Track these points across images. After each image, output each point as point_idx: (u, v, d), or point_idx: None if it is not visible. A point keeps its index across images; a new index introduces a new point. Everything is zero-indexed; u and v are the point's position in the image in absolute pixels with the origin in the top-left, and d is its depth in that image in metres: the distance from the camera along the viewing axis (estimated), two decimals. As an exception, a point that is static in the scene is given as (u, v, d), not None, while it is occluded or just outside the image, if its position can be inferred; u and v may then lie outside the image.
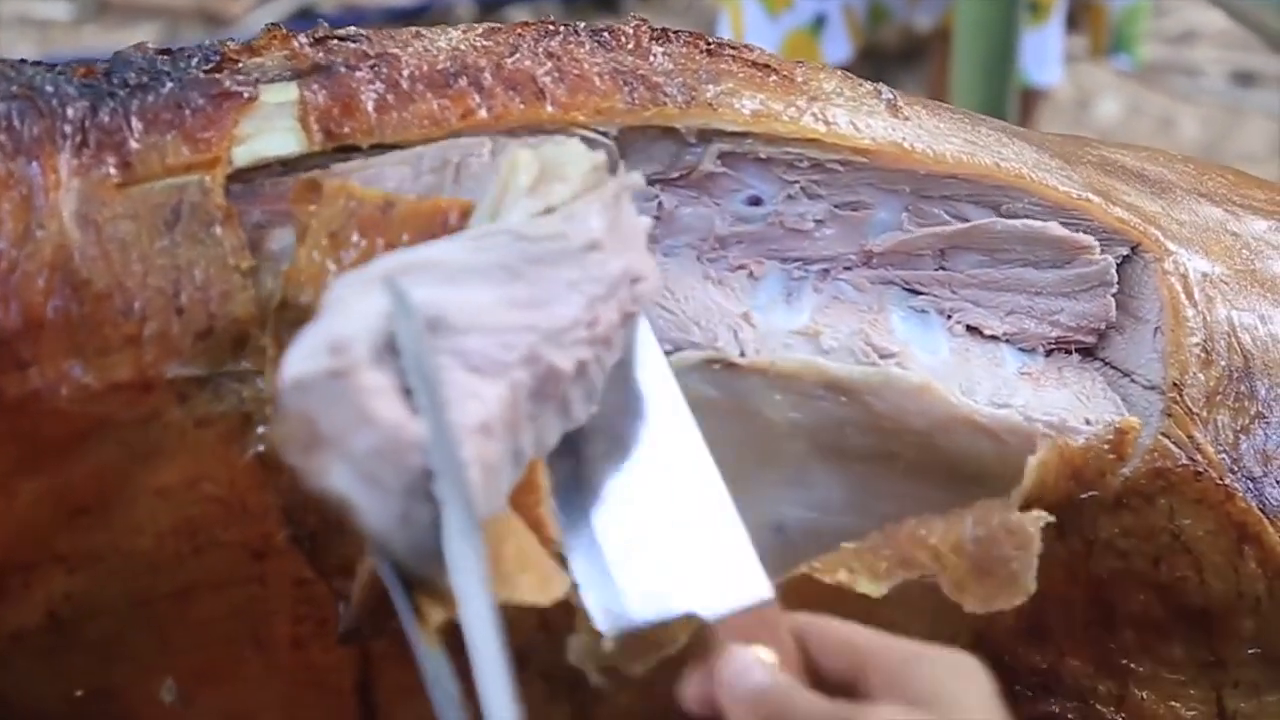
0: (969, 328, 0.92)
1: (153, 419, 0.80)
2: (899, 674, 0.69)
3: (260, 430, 0.80)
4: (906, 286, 0.92)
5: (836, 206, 0.90)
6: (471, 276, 0.68)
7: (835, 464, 0.87)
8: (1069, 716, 0.92)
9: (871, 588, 0.81)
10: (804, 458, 0.86)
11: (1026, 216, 0.91)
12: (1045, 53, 2.60)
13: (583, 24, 0.92)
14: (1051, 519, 0.81)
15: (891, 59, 3.55)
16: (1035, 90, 2.71)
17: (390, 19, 3.98)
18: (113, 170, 0.81)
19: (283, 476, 0.80)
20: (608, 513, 0.75)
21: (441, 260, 0.69)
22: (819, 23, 2.52)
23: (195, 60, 0.86)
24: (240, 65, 0.87)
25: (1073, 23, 2.88)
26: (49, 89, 0.82)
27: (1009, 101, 2.09)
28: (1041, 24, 2.56)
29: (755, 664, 0.70)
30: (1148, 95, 3.98)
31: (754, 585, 0.73)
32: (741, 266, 0.90)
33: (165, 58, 0.87)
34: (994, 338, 0.92)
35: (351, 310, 0.65)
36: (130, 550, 0.81)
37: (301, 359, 0.63)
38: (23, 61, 0.86)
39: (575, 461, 0.75)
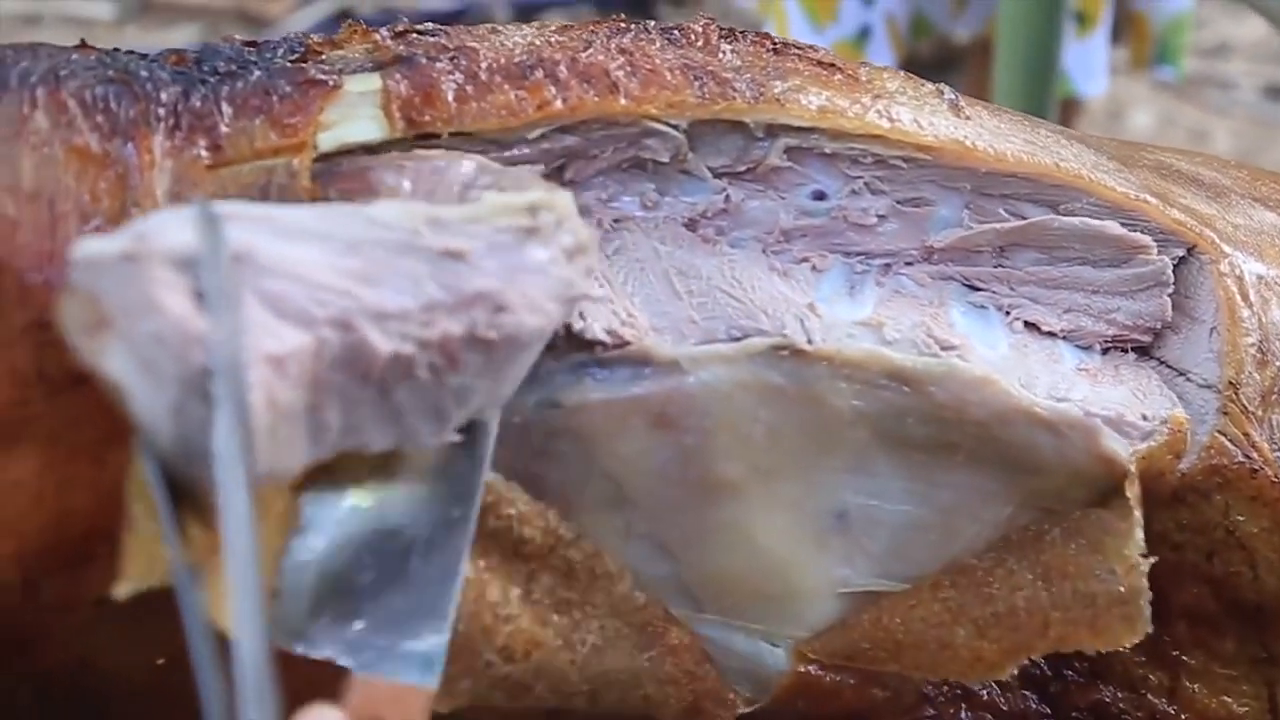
0: (1027, 324, 0.94)
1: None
2: None
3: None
4: (966, 282, 0.94)
5: (899, 202, 0.92)
6: (307, 238, 0.69)
7: (896, 452, 0.89)
8: (1120, 705, 0.94)
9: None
10: (866, 446, 0.88)
11: (1085, 216, 0.93)
12: (1091, 63, 2.62)
13: (652, 22, 0.95)
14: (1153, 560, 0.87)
15: (927, 70, 3.57)
16: (1072, 101, 2.73)
17: (426, 22, 4.02)
18: (204, 152, 0.83)
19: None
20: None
21: (282, 218, 0.69)
22: (864, 34, 2.55)
23: (281, 51, 0.89)
24: (324, 57, 0.90)
25: (1116, 34, 2.90)
26: (144, 74, 0.85)
27: (1050, 112, 2.11)
28: (1088, 34, 2.58)
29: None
30: (1181, 108, 3.99)
31: (424, 666, 0.72)
32: (805, 259, 0.92)
33: (251, 49, 0.89)
34: (1051, 334, 0.94)
35: (164, 218, 0.67)
36: (212, 522, 0.83)
37: (101, 240, 0.64)
38: (116, 50, 0.88)
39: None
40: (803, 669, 0.91)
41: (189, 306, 0.63)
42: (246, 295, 0.66)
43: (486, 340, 0.71)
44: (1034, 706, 0.94)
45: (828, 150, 0.90)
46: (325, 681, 0.72)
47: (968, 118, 0.94)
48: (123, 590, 0.75)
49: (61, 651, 0.85)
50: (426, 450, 0.76)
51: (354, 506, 0.76)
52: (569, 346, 0.85)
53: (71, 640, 0.84)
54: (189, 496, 0.67)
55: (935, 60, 3.57)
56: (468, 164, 0.83)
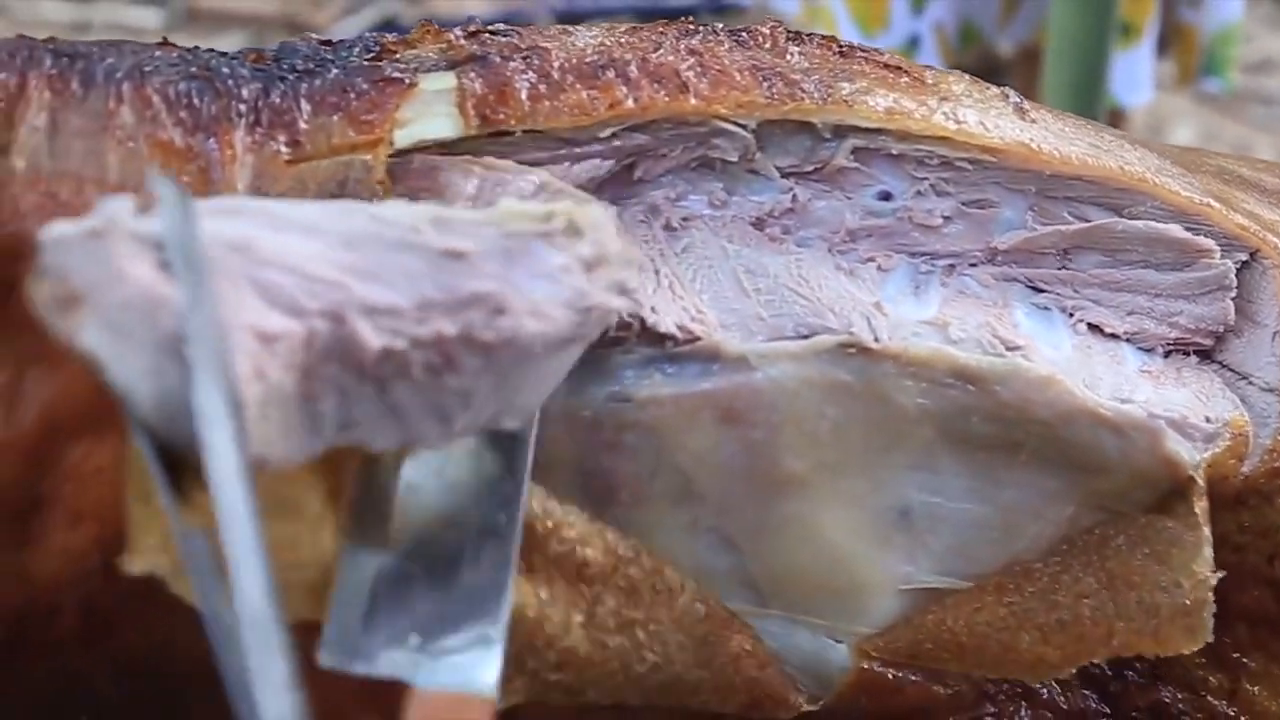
0: (1090, 326, 0.95)
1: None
2: None
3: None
4: (1029, 284, 0.95)
5: (964, 204, 0.93)
6: (307, 231, 0.69)
7: (960, 451, 0.90)
8: (1179, 706, 0.95)
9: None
10: (930, 444, 0.89)
11: (1149, 219, 0.94)
12: (1136, 74, 2.62)
13: (719, 24, 0.96)
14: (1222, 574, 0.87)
15: (970, 80, 3.57)
16: (1115, 112, 2.73)
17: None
18: (283, 148, 0.85)
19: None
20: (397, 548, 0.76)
21: (283, 212, 0.70)
22: (913, 43, 2.56)
23: (357, 50, 0.91)
24: (398, 56, 0.91)
25: (1162, 46, 2.90)
26: (225, 71, 0.87)
27: (1099, 121, 2.12)
28: (1133, 45, 2.59)
29: None
30: (1223, 122, 3.98)
31: (482, 675, 0.73)
32: (871, 259, 0.93)
33: (328, 47, 0.91)
34: (1114, 336, 0.95)
35: (129, 200, 0.67)
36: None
37: (66, 222, 0.65)
38: (196, 48, 0.90)
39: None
40: (865, 665, 0.91)
41: (154, 274, 0.64)
42: (241, 282, 0.67)
43: (484, 342, 0.70)
44: (1094, 706, 0.95)
45: (894, 151, 0.91)
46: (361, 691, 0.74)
47: (1033, 120, 0.94)
48: (136, 566, 0.76)
49: (141, 634, 0.86)
50: (464, 463, 0.77)
51: (401, 519, 0.77)
52: (639, 341, 0.86)
53: (151, 623, 0.86)
54: (186, 464, 0.66)
55: (979, 69, 3.57)
56: (531, 178, 0.84)
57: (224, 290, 0.66)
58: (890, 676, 0.91)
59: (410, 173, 0.86)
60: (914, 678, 0.92)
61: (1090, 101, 2.19)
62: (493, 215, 0.73)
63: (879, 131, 0.91)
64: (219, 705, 0.90)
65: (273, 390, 0.66)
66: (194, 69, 0.86)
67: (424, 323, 0.69)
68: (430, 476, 0.77)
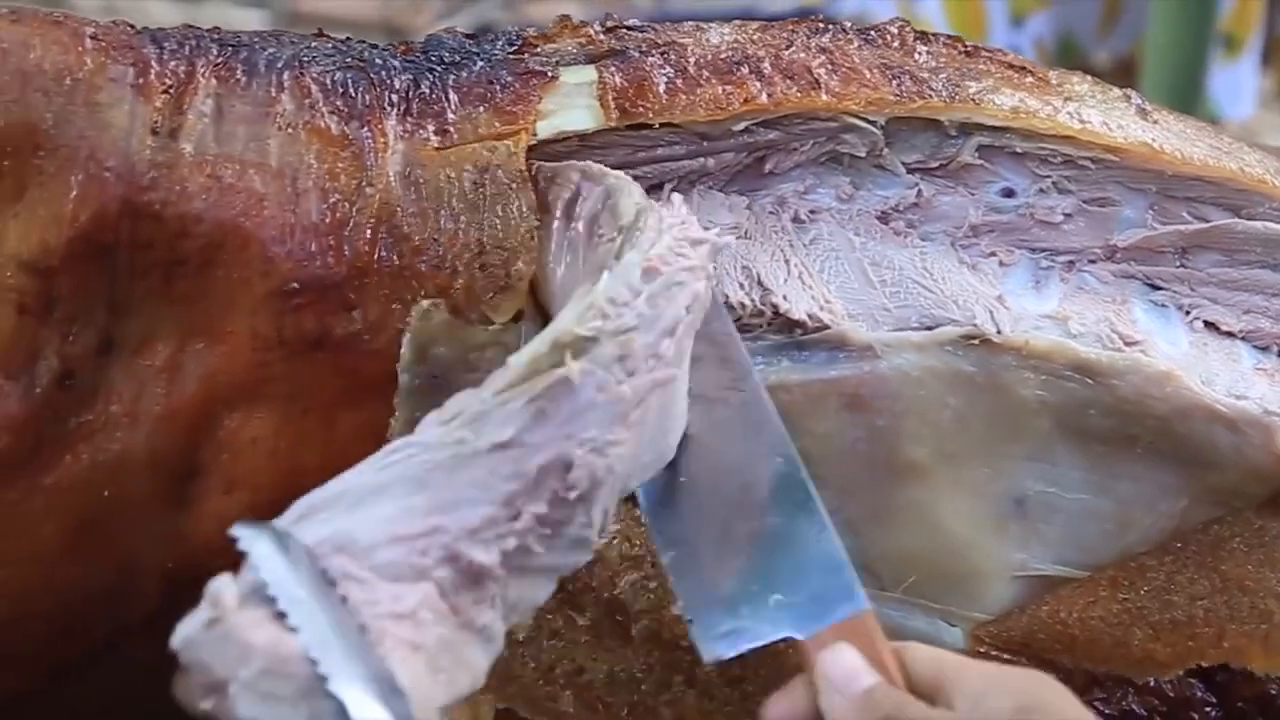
0: (1206, 323, 0.97)
1: (457, 363, 0.87)
2: (986, 689, 0.71)
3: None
4: (1148, 281, 0.97)
5: (1085, 202, 0.96)
6: (376, 496, 0.73)
7: (1077, 443, 0.92)
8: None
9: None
10: (1048, 435, 0.92)
11: (1267, 220, 0.96)
12: (1238, 87, 2.62)
13: (848, 23, 0.99)
14: None
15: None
16: (1214, 123, 2.72)
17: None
18: (432, 136, 0.89)
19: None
20: (704, 535, 0.79)
21: (345, 490, 0.74)
22: (1014, 56, 2.56)
23: (500, 43, 0.94)
24: (539, 49, 0.95)
25: (1265, 58, 2.88)
26: (378, 62, 0.91)
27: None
28: (1236, 58, 2.58)
29: (862, 669, 0.73)
30: (1321, 138, 3.94)
31: (848, 596, 0.77)
32: (992, 254, 0.95)
33: (472, 41, 0.95)
34: (1230, 334, 0.97)
35: (223, 579, 0.72)
36: (429, 483, 0.88)
37: (188, 624, 0.70)
38: (348, 39, 0.94)
39: (670, 484, 0.80)
40: (979, 650, 0.94)
41: (274, 631, 0.69)
42: (363, 577, 0.71)
43: (573, 498, 0.74)
44: (1199, 695, 0.96)
45: (1019, 149, 0.94)
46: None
47: (1155, 122, 0.96)
48: None
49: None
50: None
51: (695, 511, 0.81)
52: (769, 328, 0.89)
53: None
54: None
55: (1073, 82, 3.56)
56: (596, 194, 0.86)
57: (353, 593, 0.71)
58: (1003, 660, 0.94)
59: (543, 173, 0.89)
60: (1025, 662, 0.94)
61: (1188, 113, 2.19)
62: (512, 379, 0.75)
63: (1004, 130, 0.93)
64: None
65: (435, 645, 0.72)
66: (349, 59, 0.91)
67: (517, 515, 0.74)
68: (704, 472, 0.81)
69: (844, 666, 0.73)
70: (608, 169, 0.86)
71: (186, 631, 0.70)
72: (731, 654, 0.77)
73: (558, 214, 0.87)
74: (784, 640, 0.76)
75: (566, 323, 0.75)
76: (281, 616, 0.70)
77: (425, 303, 0.86)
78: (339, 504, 0.73)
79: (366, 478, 0.74)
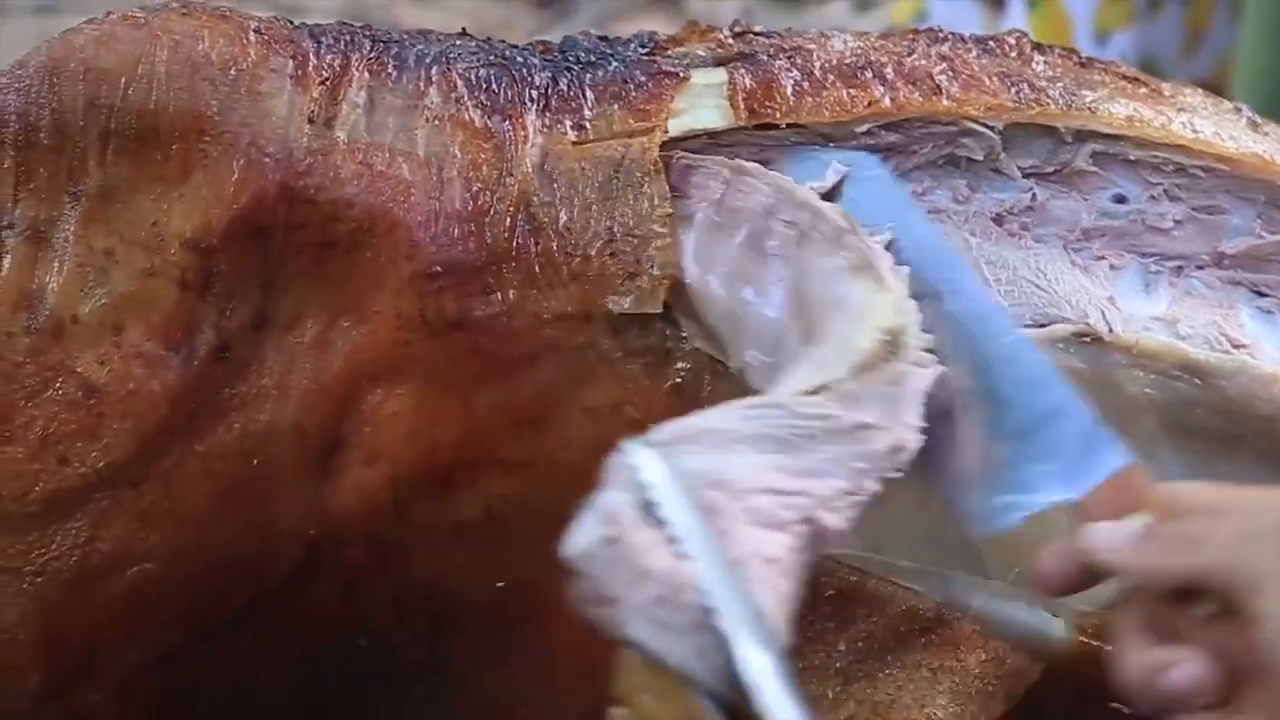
0: (1311, 331, 0.99)
1: (589, 347, 0.92)
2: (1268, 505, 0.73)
3: (679, 364, 0.92)
4: (1254, 289, 1.00)
5: (1194, 209, 0.99)
6: (744, 444, 0.77)
7: (1183, 441, 0.95)
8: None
9: None
10: (1154, 433, 0.95)
11: (1375, 231, 0.98)
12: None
13: (967, 33, 1.03)
14: None
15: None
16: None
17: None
18: (570, 131, 0.93)
19: (694, 406, 0.92)
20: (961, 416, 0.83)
21: (716, 429, 0.77)
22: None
23: (633, 46, 0.99)
24: (669, 52, 0.99)
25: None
26: (519, 60, 0.96)
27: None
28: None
29: (1137, 517, 0.76)
30: None
31: (1110, 452, 0.80)
32: (1102, 258, 0.99)
33: (605, 42, 1.00)
34: (1335, 341, 0.99)
35: (619, 480, 0.74)
36: (558, 461, 0.93)
37: (582, 533, 0.73)
38: (488, 40, 0.99)
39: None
40: (1083, 640, 0.97)
41: (670, 560, 0.71)
42: (737, 516, 0.75)
43: (893, 479, 0.80)
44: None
45: (1132, 157, 0.97)
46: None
47: (1265, 134, 0.99)
48: None
49: (420, 568, 0.95)
50: None
51: None
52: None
53: (430, 559, 0.95)
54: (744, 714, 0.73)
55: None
56: (764, 191, 0.91)
57: (728, 528, 0.74)
58: (1106, 650, 0.96)
59: (670, 170, 0.94)
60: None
61: None
62: (865, 366, 0.80)
63: (1119, 138, 0.97)
64: (481, 640, 0.99)
65: (788, 596, 0.75)
66: (491, 57, 0.95)
67: (858, 492, 0.79)
68: None
69: (1118, 519, 0.76)
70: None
71: (583, 544, 0.72)
72: (1007, 527, 0.81)
73: (702, 206, 0.91)
74: (1057, 505, 0.79)
75: (884, 318, 0.82)
76: (672, 541, 0.72)
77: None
78: (707, 440, 0.77)
79: (732, 424, 0.78)
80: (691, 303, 0.91)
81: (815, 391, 0.79)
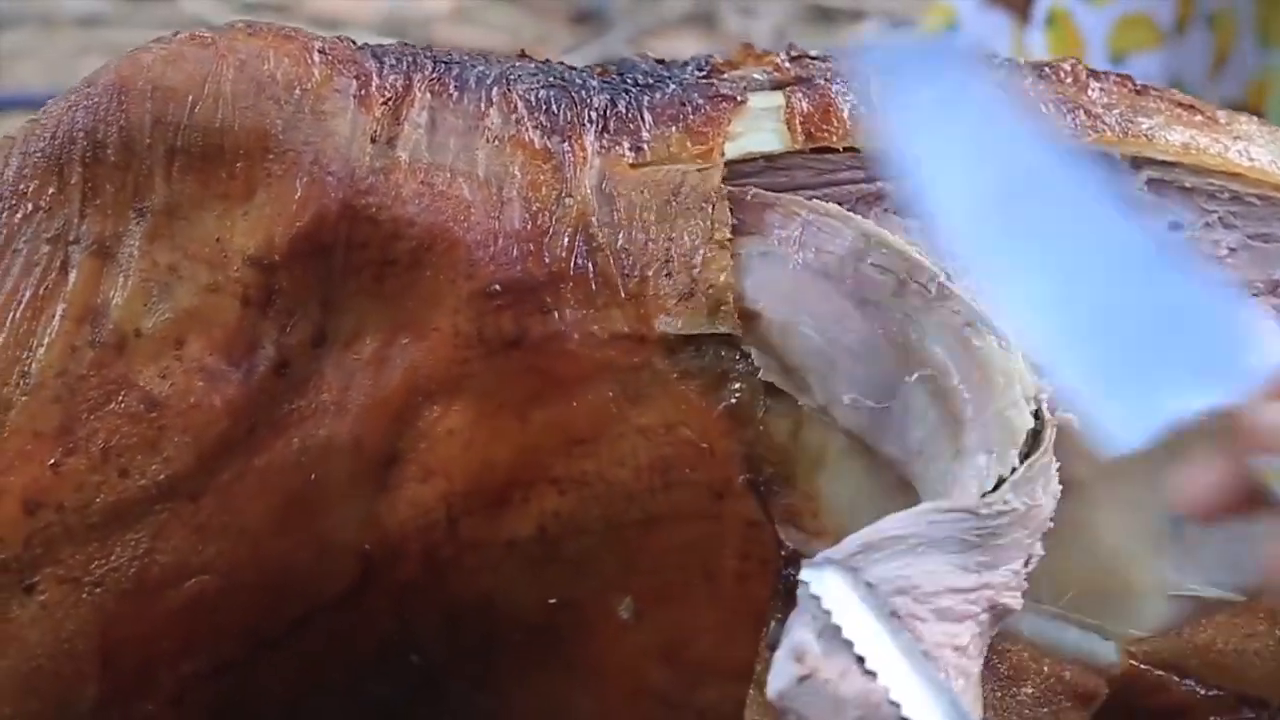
0: (1365, 359, 0.99)
1: (644, 367, 0.92)
2: None
3: (734, 386, 0.93)
4: (1308, 316, 1.00)
5: (1249, 237, 0.99)
6: (930, 549, 0.79)
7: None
8: None
9: None
10: (1208, 454, 0.94)
11: None
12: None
13: (1022, 59, 1.03)
14: None
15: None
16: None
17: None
18: (628, 153, 0.94)
19: (748, 428, 0.93)
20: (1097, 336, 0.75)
21: (902, 534, 0.79)
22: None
23: (690, 68, 1.00)
24: (725, 75, 1.00)
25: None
26: (578, 81, 0.97)
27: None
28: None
29: None
30: None
31: (1266, 353, 0.70)
32: (1156, 284, 0.99)
33: (663, 65, 1.01)
34: (1388, 370, 0.99)
35: (802, 610, 0.76)
36: (612, 479, 0.94)
37: (778, 675, 0.75)
38: (546, 61, 1.00)
39: None
40: (1132, 664, 0.97)
41: (861, 682, 0.73)
42: (924, 616, 0.77)
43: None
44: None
45: (1187, 184, 0.97)
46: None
47: (1321, 162, 1.00)
48: None
49: (472, 584, 0.96)
50: None
51: None
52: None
53: (482, 575, 0.95)
54: None
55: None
56: (850, 235, 0.92)
57: (917, 628, 0.76)
58: (1155, 675, 0.97)
59: (742, 205, 0.95)
60: (1176, 678, 0.97)
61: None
62: (1030, 445, 0.85)
63: (1175, 165, 0.97)
64: (531, 658, 1.00)
65: (978, 677, 0.78)
66: (550, 79, 0.96)
67: (1032, 559, 0.83)
68: None
69: None
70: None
71: (780, 685, 0.75)
72: (1147, 441, 0.72)
73: (781, 244, 0.93)
74: (1208, 413, 0.69)
75: (1028, 387, 0.87)
76: (860, 661, 0.74)
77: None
78: (893, 546, 0.79)
79: (920, 529, 0.80)
80: (767, 337, 0.92)
81: (995, 488, 0.82)
